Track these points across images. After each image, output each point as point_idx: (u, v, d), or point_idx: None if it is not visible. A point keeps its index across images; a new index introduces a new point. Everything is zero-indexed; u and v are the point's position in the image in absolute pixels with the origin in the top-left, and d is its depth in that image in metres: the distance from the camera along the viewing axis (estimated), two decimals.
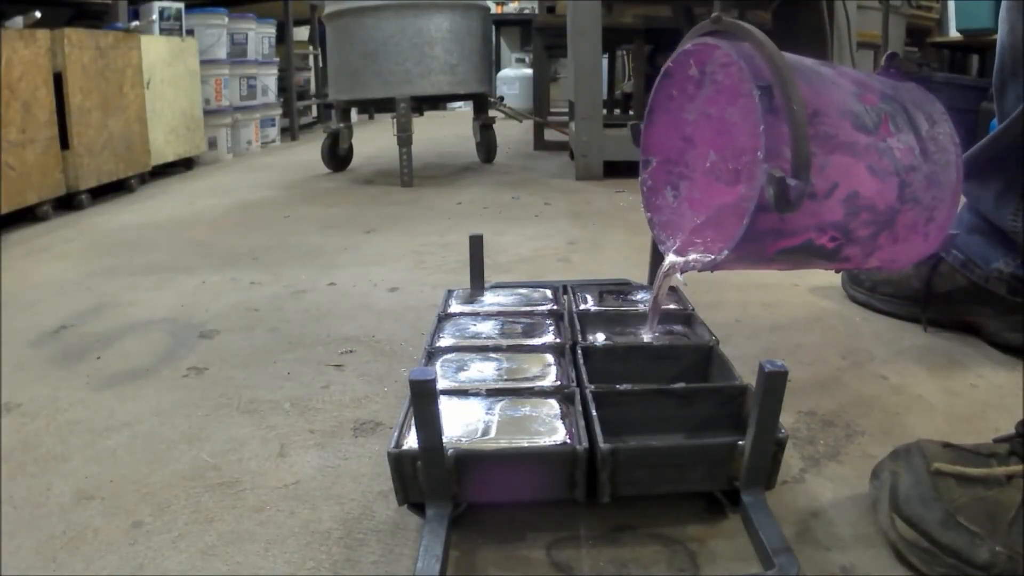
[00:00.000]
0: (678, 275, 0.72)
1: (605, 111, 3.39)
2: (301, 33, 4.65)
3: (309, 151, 3.30)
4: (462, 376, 0.72)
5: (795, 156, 0.58)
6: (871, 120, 0.66)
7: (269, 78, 3.68)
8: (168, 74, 2.70)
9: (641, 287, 0.97)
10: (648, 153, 0.78)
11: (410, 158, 2.39)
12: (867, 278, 1.12)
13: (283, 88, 3.98)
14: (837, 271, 0.76)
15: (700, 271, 0.68)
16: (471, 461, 0.58)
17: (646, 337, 0.79)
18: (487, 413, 0.64)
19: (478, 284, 0.97)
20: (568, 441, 0.59)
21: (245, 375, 0.93)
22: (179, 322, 1.13)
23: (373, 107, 4.92)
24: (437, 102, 4.02)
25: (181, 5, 2.90)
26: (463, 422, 0.63)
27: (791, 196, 0.57)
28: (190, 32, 3.00)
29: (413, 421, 0.57)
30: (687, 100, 0.76)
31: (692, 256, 0.72)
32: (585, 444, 0.58)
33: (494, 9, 6.12)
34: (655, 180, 0.78)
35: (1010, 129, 0.94)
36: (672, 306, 0.89)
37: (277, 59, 3.78)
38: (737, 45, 0.64)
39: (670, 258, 0.72)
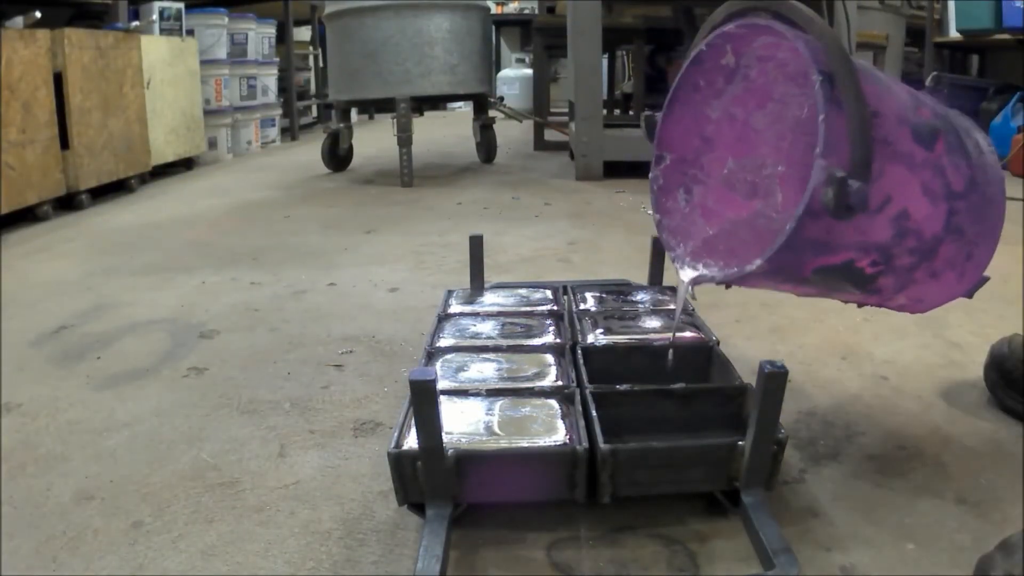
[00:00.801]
0: (689, 288, 0.67)
1: (605, 111, 3.39)
2: (301, 33, 4.65)
3: (309, 151, 3.30)
4: (462, 376, 0.72)
5: (855, 151, 0.52)
6: (927, 134, 0.61)
7: (269, 78, 3.68)
8: (168, 74, 2.70)
9: (641, 288, 0.97)
10: (663, 148, 0.71)
11: (410, 158, 2.39)
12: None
13: (283, 88, 3.98)
14: (860, 305, 0.70)
15: (719, 283, 0.63)
16: (471, 461, 0.58)
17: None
18: (487, 413, 0.64)
19: (478, 284, 0.97)
20: (568, 441, 0.59)
21: (245, 375, 0.93)
22: (179, 322, 1.13)
23: (373, 107, 4.92)
24: (437, 102, 4.02)
25: (181, 5, 2.90)
26: (463, 422, 0.63)
27: (852, 199, 0.50)
28: (190, 32, 3.00)
29: (413, 421, 0.57)
30: (713, 95, 0.70)
31: (713, 267, 0.66)
32: (585, 444, 0.58)
33: (494, 9, 6.12)
34: (667, 179, 0.71)
35: None
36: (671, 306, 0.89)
37: (277, 59, 3.78)
38: (791, 28, 0.57)
39: (687, 272, 0.67)
